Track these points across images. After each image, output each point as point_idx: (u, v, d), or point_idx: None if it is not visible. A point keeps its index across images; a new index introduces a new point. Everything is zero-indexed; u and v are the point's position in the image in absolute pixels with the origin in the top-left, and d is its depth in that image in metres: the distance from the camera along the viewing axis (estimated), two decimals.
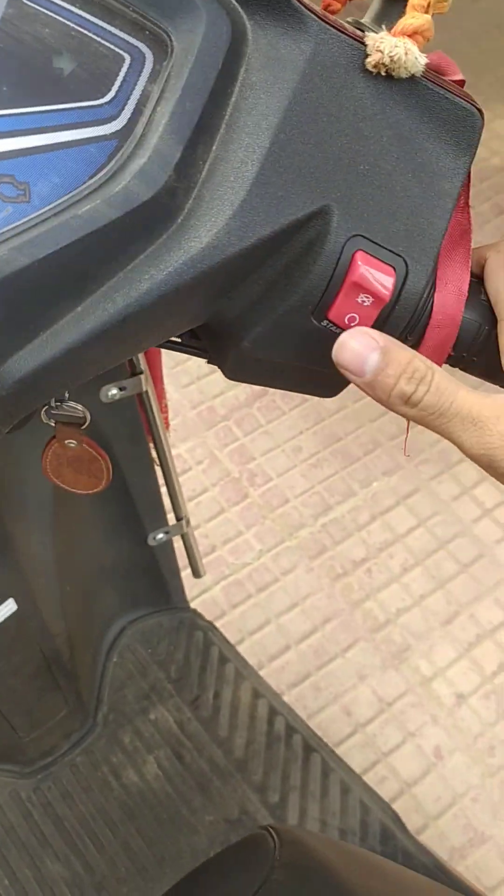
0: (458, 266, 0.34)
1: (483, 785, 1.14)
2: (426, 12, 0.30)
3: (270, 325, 0.33)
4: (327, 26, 0.30)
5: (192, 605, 1.27)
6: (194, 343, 0.40)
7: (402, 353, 0.32)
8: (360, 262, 0.31)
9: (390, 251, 0.32)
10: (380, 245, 0.31)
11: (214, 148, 0.30)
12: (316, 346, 0.34)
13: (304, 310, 0.32)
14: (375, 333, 0.32)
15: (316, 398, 1.52)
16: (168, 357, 1.57)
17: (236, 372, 0.37)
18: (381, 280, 0.31)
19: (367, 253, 0.31)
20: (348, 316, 0.32)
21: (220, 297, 0.32)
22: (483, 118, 0.32)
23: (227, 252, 0.30)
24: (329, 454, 1.45)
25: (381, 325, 0.33)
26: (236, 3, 0.30)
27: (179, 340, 0.41)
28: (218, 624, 1.27)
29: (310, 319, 0.33)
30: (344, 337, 0.32)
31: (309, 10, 0.30)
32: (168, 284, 0.29)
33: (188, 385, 1.53)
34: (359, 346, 0.32)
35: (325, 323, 0.33)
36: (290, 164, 0.30)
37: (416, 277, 0.32)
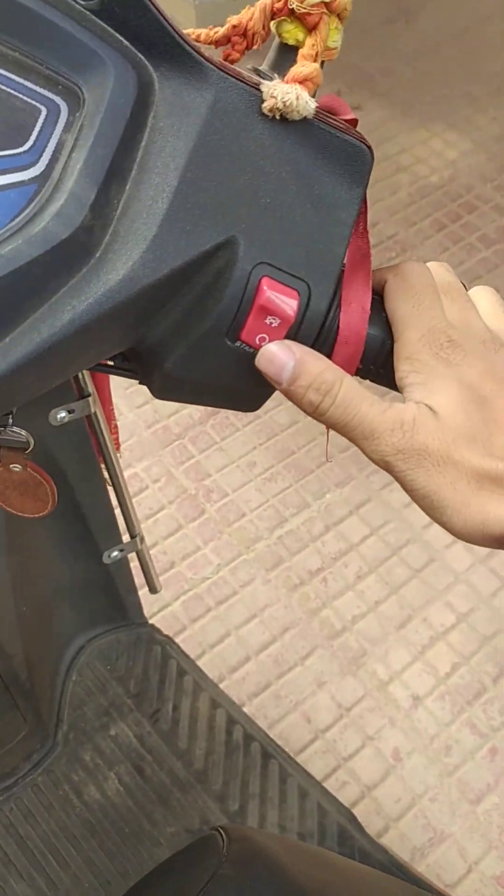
0: (361, 286, 0.37)
1: (441, 784, 1.17)
2: (315, 61, 0.34)
3: (189, 348, 0.36)
4: (226, 75, 0.33)
5: (153, 620, 1.29)
6: (126, 365, 0.43)
7: (314, 365, 0.35)
8: (265, 287, 0.34)
9: (293, 276, 0.35)
10: (284, 271, 0.34)
11: (128, 188, 0.33)
12: (232, 365, 0.36)
13: (219, 332, 0.35)
14: (294, 346, 0.35)
15: (268, 416, 1.55)
16: (122, 379, 1.60)
17: (163, 391, 0.40)
18: (286, 302, 0.34)
19: (272, 278, 0.34)
20: (259, 336, 0.35)
21: (140, 324, 0.35)
22: (372, 154, 0.35)
23: (142, 282, 0.32)
24: (283, 468, 1.48)
25: None
26: (142, 58, 0.33)
27: (112, 364, 0.43)
28: (179, 638, 1.29)
29: (224, 341, 0.35)
30: (267, 347, 0.35)
31: (209, 61, 0.33)
32: (89, 315, 0.32)
33: (143, 405, 1.55)
34: (277, 356, 0.35)
35: (238, 344, 0.36)
36: (197, 200, 0.33)
37: (319, 298, 0.35)
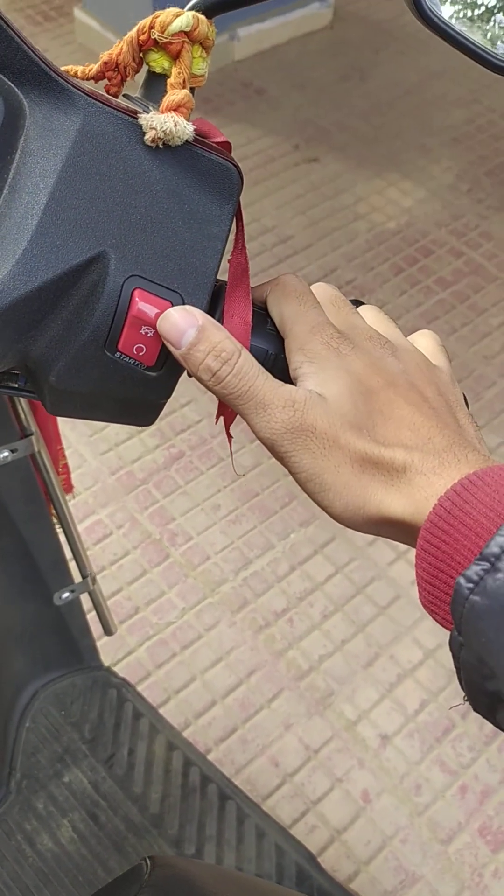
0: (241, 300, 0.39)
1: (412, 825, 1.15)
2: (184, 87, 0.36)
3: (70, 360, 0.37)
4: (94, 101, 0.35)
5: (117, 667, 1.27)
6: (27, 387, 0.44)
7: (216, 333, 0.36)
8: (137, 299, 0.35)
9: (166, 287, 0.36)
10: (156, 283, 0.36)
11: None
12: (114, 375, 0.37)
13: (97, 344, 0.36)
14: (197, 312, 0.36)
15: (229, 458, 1.56)
16: (86, 426, 1.61)
17: (55, 406, 0.40)
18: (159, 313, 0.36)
19: (144, 290, 0.36)
20: (136, 346, 0.36)
21: (20, 337, 0.36)
22: (240, 172, 0.37)
23: (13, 295, 0.34)
24: (247, 510, 1.49)
25: (167, 354, 0.37)
26: (12, 85, 0.35)
27: (15, 386, 0.44)
28: (144, 684, 1.27)
29: (103, 352, 0.36)
30: (169, 310, 0.36)
31: (78, 89, 0.35)
32: None
33: (106, 452, 1.56)
34: (179, 320, 0.36)
35: (118, 355, 0.37)
36: (66, 217, 0.34)
37: None
